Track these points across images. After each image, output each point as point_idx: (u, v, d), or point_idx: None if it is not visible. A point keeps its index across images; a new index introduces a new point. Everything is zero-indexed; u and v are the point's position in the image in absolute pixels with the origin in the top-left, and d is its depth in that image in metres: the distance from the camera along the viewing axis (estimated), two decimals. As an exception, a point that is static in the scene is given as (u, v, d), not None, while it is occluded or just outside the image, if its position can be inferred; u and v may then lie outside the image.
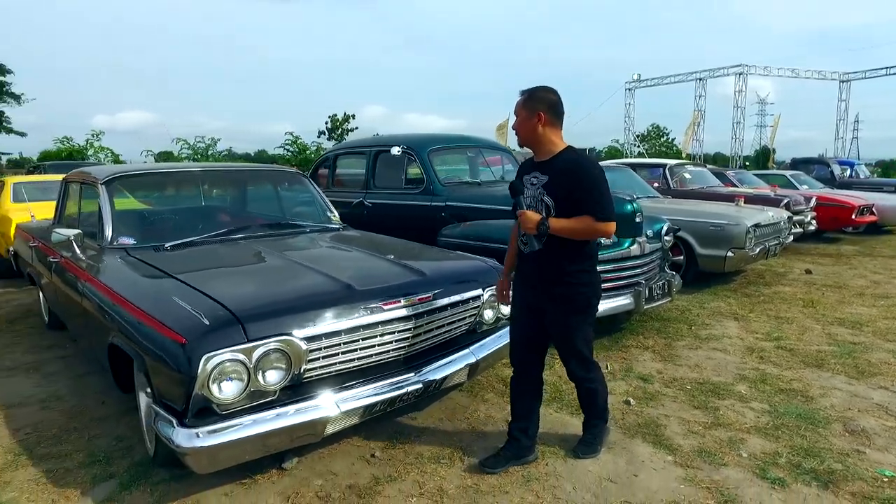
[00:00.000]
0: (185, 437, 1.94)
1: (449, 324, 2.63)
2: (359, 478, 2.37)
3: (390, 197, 4.94)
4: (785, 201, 7.80)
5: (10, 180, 7.25)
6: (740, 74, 30.36)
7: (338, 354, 2.20)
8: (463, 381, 2.79)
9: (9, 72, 29.10)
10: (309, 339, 2.09)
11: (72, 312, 3.27)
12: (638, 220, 4.22)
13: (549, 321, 2.37)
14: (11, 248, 5.39)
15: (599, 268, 3.88)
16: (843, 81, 33.12)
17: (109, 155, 25.70)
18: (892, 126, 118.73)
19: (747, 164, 25.92)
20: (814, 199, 8.99)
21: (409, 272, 2.61)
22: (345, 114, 28.33)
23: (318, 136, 28.33)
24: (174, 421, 1.98)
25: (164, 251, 2.96)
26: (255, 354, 1.98)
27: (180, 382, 1.93)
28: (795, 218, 7.80)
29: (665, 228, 4.64)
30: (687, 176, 8.83)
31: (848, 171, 15.70)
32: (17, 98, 29.85)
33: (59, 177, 7.36)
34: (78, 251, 3.09)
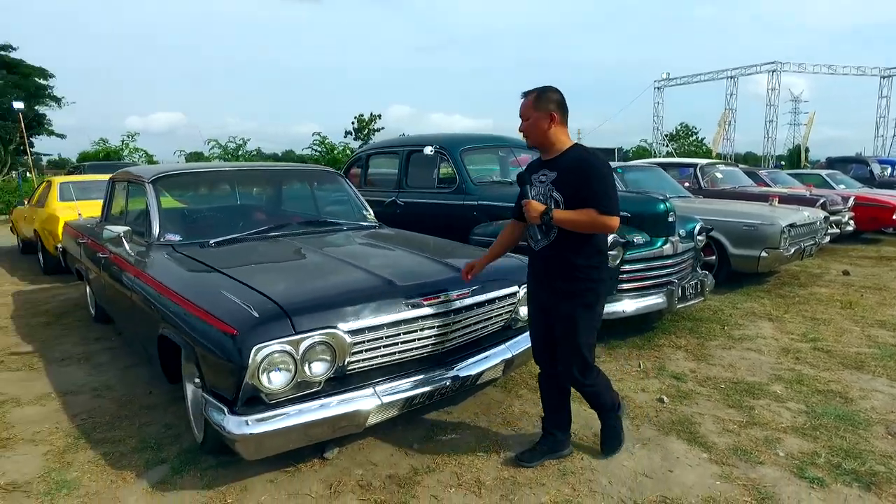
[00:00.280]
0: (235, 425, 2.03)
1: (485, 320, 2.68)
2: (398, 468, 2.44)
3: (422, 196, 5.01)
4: (821, 201, 7.63)
5: (56, 180, 7.56)
6: (773, 72, 29.64)
7: (379, 348, 2.28)
8: (498, 377, 2.84)
9: (51, 76, 30.15)
10: (353, 333, 2.17)
11: (120, 306, 3.41)
12: (671, 219, 4.21)
13: (556, 317, 2.37)
14: (59, 245, 5.63)
15: (632, 266, 3.99)
16: (884, 77, 32.03)
17: (144, 155, 26.46)
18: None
19: (783, 163, 25.24)
20: (852, 198, 8.77)
21: (447, 269, 2.68)
22: (371, 114, 28.52)
23: (345, 136, 28.60)
24: (225, 409, 2.07)
25: (208, 247, 3.08)
26: (302, 346, 2.06)
27: (231, 372, 2.02)
28: (832, 218, 7.62)
29: (698, 228, 4.61)
30: (718, 175, 8.69)
31: (889, 170, 15.26)
32: (57, 101, 30.90)
33: (101, 177, 7.66)
34: (127, 247, 3.21)
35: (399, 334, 2.32)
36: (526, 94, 2.34)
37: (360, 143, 27.31)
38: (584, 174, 2.21)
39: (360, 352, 2.23)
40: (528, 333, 2.85)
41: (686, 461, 2.49)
